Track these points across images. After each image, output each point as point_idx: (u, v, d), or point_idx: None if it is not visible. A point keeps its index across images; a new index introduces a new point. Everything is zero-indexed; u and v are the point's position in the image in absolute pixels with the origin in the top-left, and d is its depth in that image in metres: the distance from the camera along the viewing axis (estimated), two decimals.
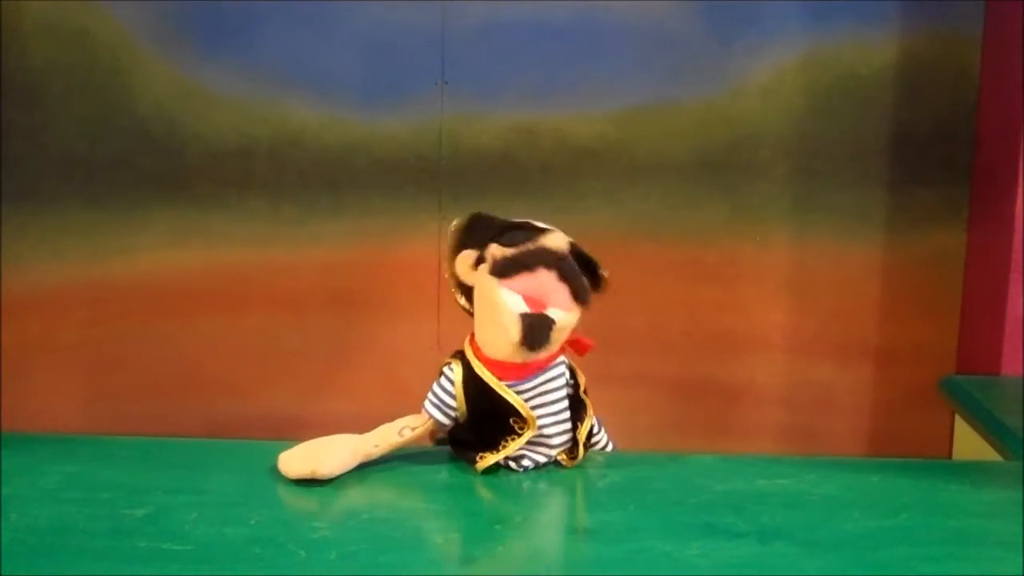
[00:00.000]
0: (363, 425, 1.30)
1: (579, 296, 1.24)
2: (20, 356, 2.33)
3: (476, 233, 1.26)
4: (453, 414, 1.29)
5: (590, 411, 1.34)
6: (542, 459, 1.31)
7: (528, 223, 1.26)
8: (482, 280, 1.24)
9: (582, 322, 1.33)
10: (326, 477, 1.23)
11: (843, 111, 2.22)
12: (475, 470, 1.29)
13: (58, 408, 2.34)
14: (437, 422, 1.29)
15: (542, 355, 1.25)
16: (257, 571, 1.04)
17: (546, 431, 1.29)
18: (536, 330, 1.21)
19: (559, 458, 1.32)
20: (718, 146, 2.24)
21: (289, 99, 2.25)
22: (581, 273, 1.24)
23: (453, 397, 1.28)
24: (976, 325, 2.21)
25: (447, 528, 1.19)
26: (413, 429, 1.29)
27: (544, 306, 1.22)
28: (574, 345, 1.32)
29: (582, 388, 1.34)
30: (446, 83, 2.24)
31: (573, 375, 1.33)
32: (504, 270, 1.22)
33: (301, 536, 1.11)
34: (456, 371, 1.28)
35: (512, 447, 1.27)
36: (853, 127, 2.22)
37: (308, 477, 1.23)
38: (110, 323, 2.33)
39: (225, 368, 2.34)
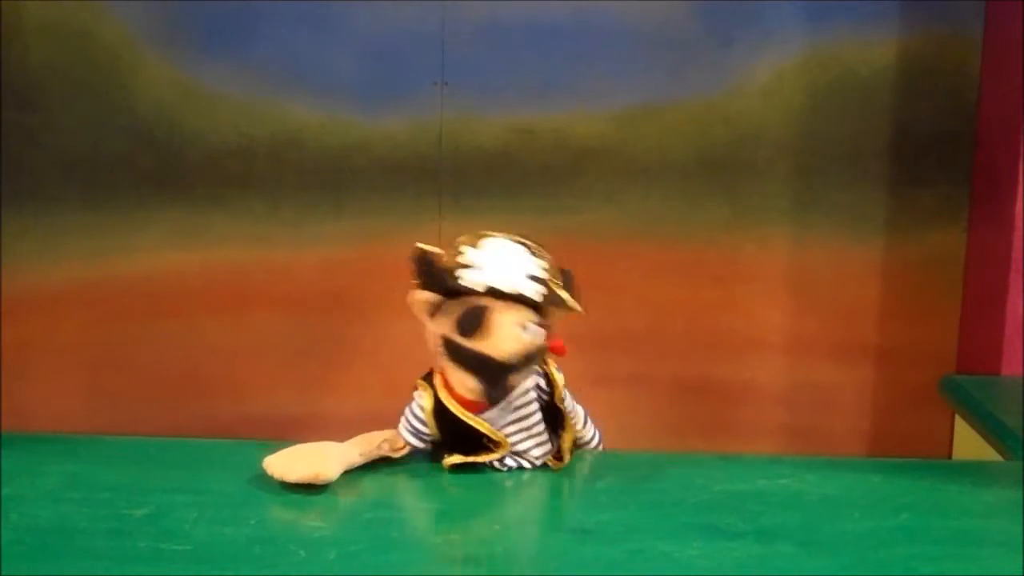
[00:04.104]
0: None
1: (532, 368, 1.25)
2: (20, 356, 2.33)
3: (428, 278, 1.21)
4: (428, 439, 1.31)
5: (569, 420, 1.32)
6: (526, 464, 1.31)
7: (478, 306, 1.19)
8: (436, 346, 1.23)
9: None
10: (329, 481, 1.23)
11: (843, 111, 2.22)
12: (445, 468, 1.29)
13: (58, 408, 2.34)
14: (413, 447, 1.30)
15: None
16: (257, 571, 1.04)
17: (520, 447, 1.29)
18: (496, 383, 1.21)
19: (547, 462, 1.32)
20: (718, 146, 2.24)
21: (289, 99, 2.24)
22: (533, 356, 1.22)
23: (425, 424, 1.29)
24: (976, 325, 2.21)
25: (447, 528, 1.19)
26: (393, 449, 1.30)
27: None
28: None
29: (557, 396, 1.30)
30: (446, 83, 2.24)
31: (549, 383, 1.31)
32: (457, 360, 1.21)
33: (301, 536, 1.11)
34: (426, 400, 1.28)
35: (484, 459, 1.28)
36: (853, 127, 2.22)
37: (310, 481, 1.22)
38: (110, 323, 2.33)
39: (225, 368, 2.33)
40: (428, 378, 1.30)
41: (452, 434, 1.28)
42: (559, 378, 1.30)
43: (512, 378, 1.22)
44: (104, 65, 2.25)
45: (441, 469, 1.31)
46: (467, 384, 1.22)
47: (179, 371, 2.34)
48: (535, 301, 1.19)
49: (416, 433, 1.30)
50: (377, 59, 2.23)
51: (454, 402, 1.26)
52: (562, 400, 1.31)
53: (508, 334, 1.18)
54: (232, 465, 1.33)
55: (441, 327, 1.21)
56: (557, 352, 1.30)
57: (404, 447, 1.30)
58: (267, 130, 2.26)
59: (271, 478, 1.26)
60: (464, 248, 1.20)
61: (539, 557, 1.13)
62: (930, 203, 2.24)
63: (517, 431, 1.28)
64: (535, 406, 1.30)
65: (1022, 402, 1.90)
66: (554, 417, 1.31)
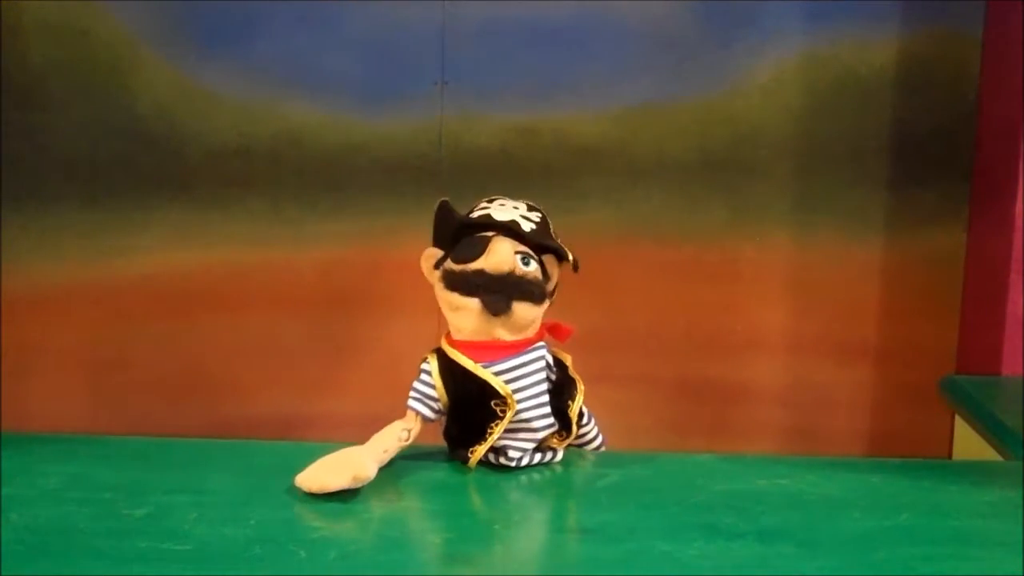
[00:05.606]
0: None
1: (532, 298, 1.28)
2: (20, 356, 2.33)
3: (441, 228, 1.32)
4: (436, 406, 1.31)
5: (580, 387, 1.35)
6: (528, 445, 1.31)
7: (483, 221, 1.29)
8: (437, 285, 1.31)
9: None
10: (368, 480, 1.22)
11: (843, 111, 2.22)
12: (469, 467, 1.31)
13: (58, 408, 2.34)
14: (423, 417, 1.31)
15: (508, 322, 1.27)
16: (257, 571, 1.04)
17: (526, 415, 1.29)
18: (494, 299, 1.26)
19: (550, 442, 1.33)
20: (718, 146, 2.24)
21: (289, 99, 2.25)
22: (529, 281, 1.27)
23: (433, 388, 1.30)
24: (976, 325, 2.21)
25: (446, 528, 1.19)
26: (408, 431, 1.31)
27: None
28: (553, 331, 1.33)
29: (570, 367, 1.35)
30: (446, 83, 2.24)
31: (557, 362, 1.34)
32: (454, 286, 1.28)
33: (301, 536, 1.11)
34: (432, 363, 1.31)
35: (498, 431, 1.29)
36: (853, 127, 2.22)
37: (350, 485, 1.21)
38: (110, 323, 2.33)
39: (225, 368, 2.33)
40: (433, 351, 1.34)
41: (460, 398, 1.30)
42: (567, 356, 1.36)
43: (512, 295, 1.26)
44: (104, 65, 2.25)
45: (440, 469, 1.31)
46: (470, 308, 1.26)
47: (179, 371, 2.34)
48: (532, 244, 1.28)
49: (423, 399, 1.31)
50: (377, 59, 2.24)
51: (463, 356, 1.29)
52: (574, 370, 1.36)
53: (504, 251, 1.26)
54: (232, 465, 1.33)
55: (446, 267, 1.29)
56: (564, 335, 1.34)
57: (415, 419, 1.31)
58: (267, 130, 2.26)
59: (272, 477, 1.26)
60: (478, 205, 1.32)
61: (539, 557, 1.13)
62: (930, 203, 2.24)
63: (524, 397, 1.29)
64: (543, 375, 1.31)
65: (1022, 402, 1.90)
66: (564, 391, 1.34)
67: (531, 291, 1.27)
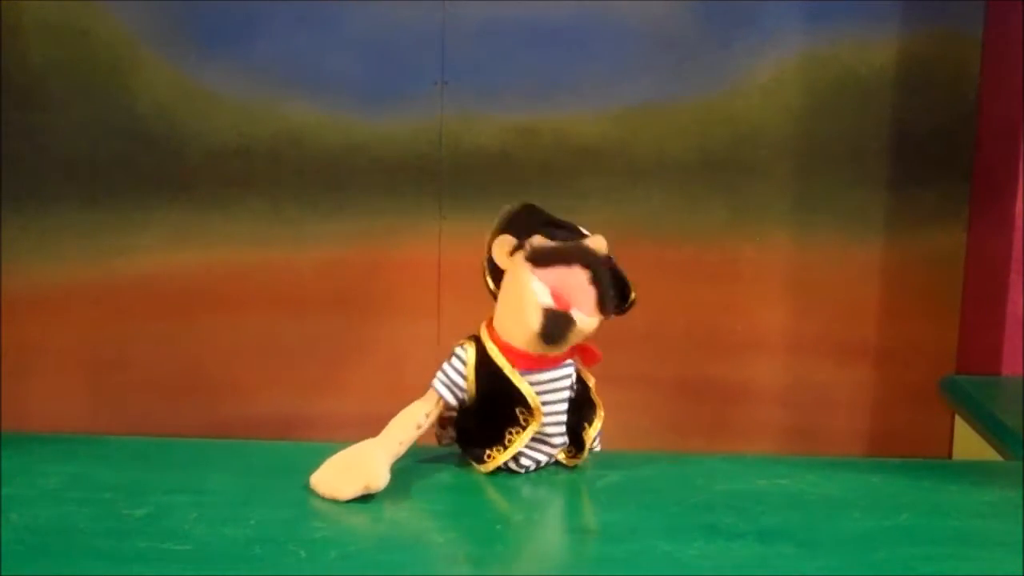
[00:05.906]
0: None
1: (604, 304, 1.25)
2: (20, 356, 2.33)
3: (522, 223, 1.27)
4: (462, 395, 1.28)
5: (600, 412, 1.34)
6: (543, 458, 1.31)
7: (573, 224, 1.29)
8: (515, 266, 1.25)
9: None
10: (380, 488, 1.21)
11: (843, 111, 2.22)
12: (478, 469, 1.29)
13: (58, 408, 2.34)
14: (445, 402, 1.29)
15: (555, 351, 1.26)
16: (257, 571, 1.04)
17: (548, 428, 1.29)
18: (556, 326, 1.22)
19: (559, 457, 1.33)
20: (718, 146, 2.24)
21: (289, 99, 2.25)
22: (611, 284, 1.26)
23: (464, 378, 1.28)
24: (976, 325, 2.21)
25: (447, 528, 1.19)
26: (427, 415, 1.28)
27: (569, 305, 1.22)
28: (582, 352, 1.32)
29: (592, 389, 1.34)
30: (446, 83, 2.24)
31: (580, 378, 1.33)
32: (540, 258, 1.23)
33: (301, 536, 1.11)
34: (470, 352, 1.28)
35: (519, 442, 1.27)
36: (853, 127, 2.22)
37: (362, 494, 1.20)
38: (110, 323, 2.33)
39: (225, 368, 2.33)
40: (472, 339, 1.30)
41: (487, 396, 1.27)
42: (591, 378, 1.35)
43: (602, 281, 1.25)
44: (104, 65, 2.25)
45: (443, 469, 1.31)
46: (528, 326, 1.22)
47: (179, 371, 2.34)
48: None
49: (451, 386, 1.28)
50: (377, 59, 2.24)
51: (502, 356, 1.26)
52: (595, 393, 1.34)
53: (599, 242, 1.26)
54: (232, 465, 1.33)
55: (523, 254, 1.24)
56: (592, 360, 1.33)
57: (437, 402, 1.28)
58: (267, 130, 2.26)
59: (272, 477, 1.26)
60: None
61: (539, 557, 1.13)
62: (930, 203, 2.24)
63: (550, 412, 1.28)
64: (568, 393, 1.30)
65: (1022, 402, 1.90)
66: (582, 411, 1.32)
67: (608, 291, 1.26)
